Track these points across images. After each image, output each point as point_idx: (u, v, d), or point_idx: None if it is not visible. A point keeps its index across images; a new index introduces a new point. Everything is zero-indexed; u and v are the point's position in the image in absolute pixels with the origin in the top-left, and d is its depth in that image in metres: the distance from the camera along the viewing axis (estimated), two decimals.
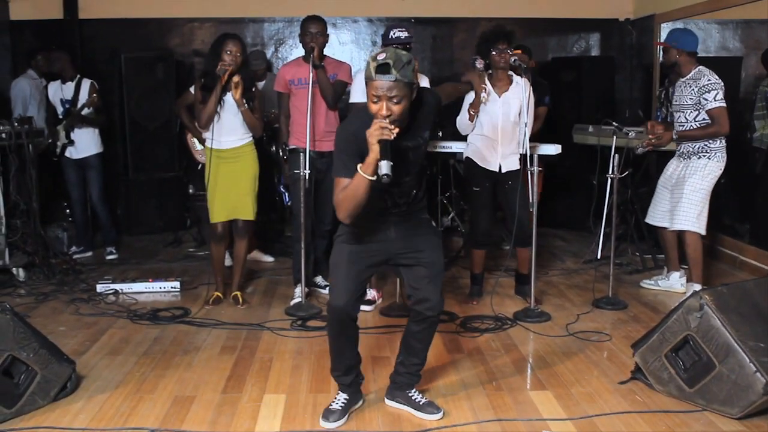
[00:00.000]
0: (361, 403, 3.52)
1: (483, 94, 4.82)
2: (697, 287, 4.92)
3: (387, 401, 3.53)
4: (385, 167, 2.85)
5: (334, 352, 3.39)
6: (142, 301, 5.24)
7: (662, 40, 5.09)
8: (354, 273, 3.23)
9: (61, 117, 6.49)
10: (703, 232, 5.04)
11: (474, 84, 4.84)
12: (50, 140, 6.47)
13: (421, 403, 3.44)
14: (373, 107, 2.94)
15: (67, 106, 6.46)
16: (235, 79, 4.74)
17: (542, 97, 6.14)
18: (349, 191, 2.98)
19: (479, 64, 5.24)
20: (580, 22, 8.25)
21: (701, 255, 5.10)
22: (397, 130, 2.90)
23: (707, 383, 3.39)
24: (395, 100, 2.90)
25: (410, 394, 3.48)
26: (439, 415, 3.39)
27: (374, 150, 2.88)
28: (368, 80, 2.93)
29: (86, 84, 6.46)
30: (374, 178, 2.91)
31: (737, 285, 3.83)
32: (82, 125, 6.43)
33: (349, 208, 3.01)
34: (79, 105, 6.38)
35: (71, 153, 6.50)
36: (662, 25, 7.51)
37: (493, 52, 4.82)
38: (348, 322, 3.26)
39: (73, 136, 6.44)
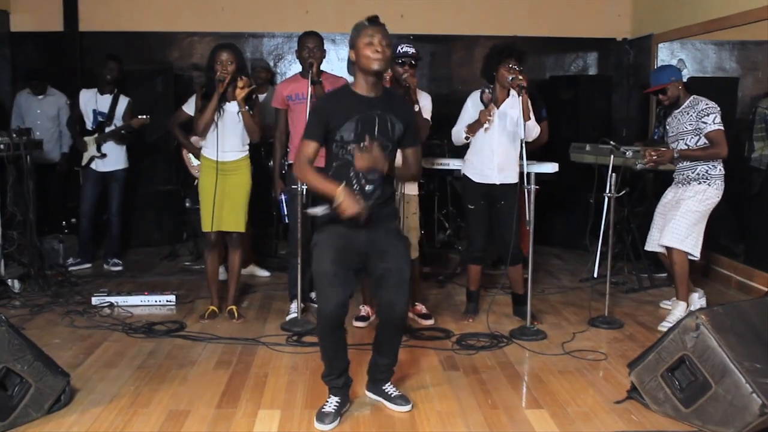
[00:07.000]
0: (349, 405, 3.64)
1: (486, 125, 4.85)
2: (683, 305, 5.02)
3: (366, 393, 3.75)
4: (319, 210, 3.36)
5: (329, 357, 3.53)
6: (138, 315, 5.23)
7: (655, 86, 5.16)
8: (338, 277, 3.36)
9: (91, 128, 6.46)
10: (690, 251, 5.02)
11: (480, 113, 4.86)
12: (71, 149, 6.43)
13: (392, 396, 3.65)
14: (369, 49, 3.26)
15: (100, 118, 6.43)
16: (240, 85, 4.76)
17: (540, 110, 6.13)
18: (312, 180, 3.37)
19: (486, 98, 5.18)
20: (578, 41, 8.30)
21: (686, 273, 5.08)
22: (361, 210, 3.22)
23: (703, 403, 3.38)
24: (385, 42, 3.26)
25: (384, 388, 3.69)
26: (407, 407, 3.60)
27: (338, 195, 3.20)
28: (362, 28, 3.29)
29: (123, 102, 6.48)
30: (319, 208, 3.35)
31: (733, 305, 3.83)
32: (120, 143, 6.47)
33: (303, 181, 3.71)
34: (118, 122, 6.38)
35: (97, 165, 6.49)
36: (659, 45, 7.56)
37: (503, 69, 4.80)
38: (338, 326, 3.42)
39: (104, 149, 6.45)
